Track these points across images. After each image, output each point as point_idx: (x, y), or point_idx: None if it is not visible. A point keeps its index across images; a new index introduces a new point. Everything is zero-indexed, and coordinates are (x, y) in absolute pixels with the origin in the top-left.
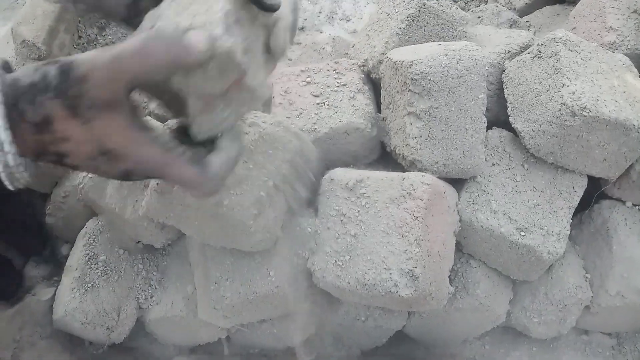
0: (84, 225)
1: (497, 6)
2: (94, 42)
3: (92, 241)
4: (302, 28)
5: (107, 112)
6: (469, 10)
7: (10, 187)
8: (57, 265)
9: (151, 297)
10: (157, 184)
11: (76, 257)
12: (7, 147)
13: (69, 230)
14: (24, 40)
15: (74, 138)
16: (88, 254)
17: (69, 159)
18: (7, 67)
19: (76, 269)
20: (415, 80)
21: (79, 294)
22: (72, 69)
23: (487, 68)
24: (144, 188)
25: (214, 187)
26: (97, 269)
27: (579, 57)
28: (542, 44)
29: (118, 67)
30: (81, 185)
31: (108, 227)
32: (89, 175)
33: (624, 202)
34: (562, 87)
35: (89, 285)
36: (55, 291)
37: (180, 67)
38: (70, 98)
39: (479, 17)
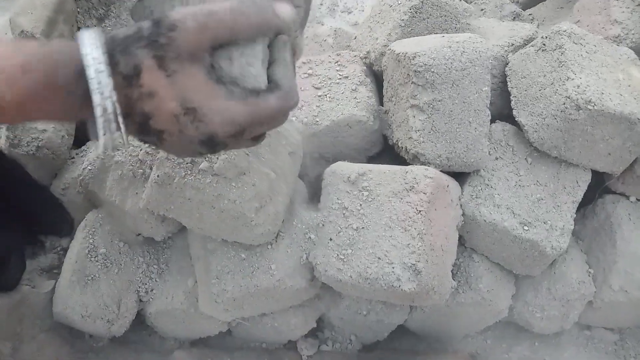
0: (84, 217)
1: None
2: None
3: (92, 234)
4: None
5: (190, 65)
6: (471, 2)
7: (102, 140)
8: (56, 258)
9: (152, 290)
10: (158, 175)
11: (76, 250)
12: (108, 92)
13: None
14: (22, 31)
15: (159, 93)
16: (88, 247)
17: (154, 121)
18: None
19: (76, 262)
20: (419, 72)
21: (79, 287)
22: (164, 19)
23: (490, 61)
24: (144, 180)
25: (296, 96)
26: (97, 261)
27: (583, 50)
28: (546, 37)
29: (211, 20)
30: (81, 177)
31: (108, 219)
32: (89, 167)
33: (627, 197)
34: (567, 80)
35: (89, 278)
36: (55, 284)
37: (267, 31)
38: (159, 46)
39: (481, 10)
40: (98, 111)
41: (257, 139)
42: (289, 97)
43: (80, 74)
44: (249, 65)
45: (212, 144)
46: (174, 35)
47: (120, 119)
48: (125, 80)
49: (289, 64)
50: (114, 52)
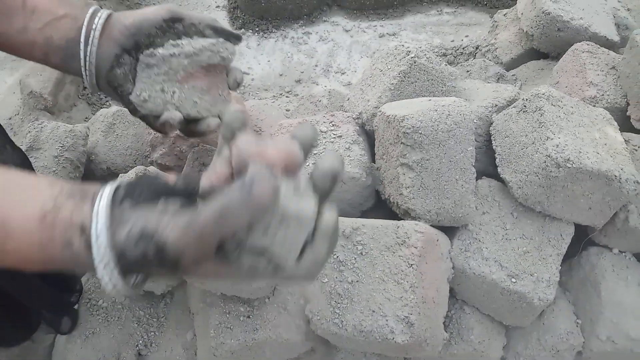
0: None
1: (484, 61)
2: (98, 93)
3: (92, 287)
4: (299, 80)
5: (200, 264)
6: (458, 64)
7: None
8: None
9: (151, 344)
10: None
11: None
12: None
13: (71, 277)
14: (31, 92)
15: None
16: (89, 301)
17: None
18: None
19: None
20: (407, 133)
21: (79, 341)
22: (166, 250)
23: (475, 121)
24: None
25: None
26: (98, 315)
27: (561, 112)
28: (526, 99)
29: (205, 239)
30: None
31: None
32: None
33: (610, 249)
34: (547, 140)
35: (90, 332)
36: (55, 338)
37: (260, 218)
38: (168, 267)
39: (467, 71)
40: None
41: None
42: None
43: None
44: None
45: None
46: (181, 261)
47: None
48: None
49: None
50: (130, 269)
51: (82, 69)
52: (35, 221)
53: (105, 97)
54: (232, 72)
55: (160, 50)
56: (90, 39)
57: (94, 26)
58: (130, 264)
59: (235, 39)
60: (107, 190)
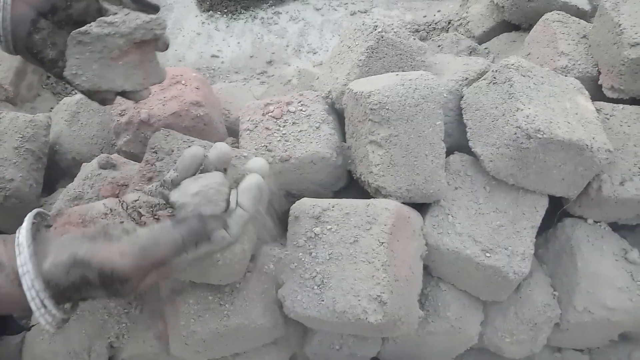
0: None
1: (456, 35)
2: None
3: None
4: (270, 62)
5: (141, 284)
6: (430, 39)
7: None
8: None
9: (123, 335)
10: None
11: None
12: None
13: None
14: None
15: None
16: None
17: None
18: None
19: None
20: (374, 110)
21: (48, 336)
22: (114, 274)
23: (445, 95)
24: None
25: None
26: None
27: (531, 82)
28: (496, 71)
29: (154, 263)
30: None
31: None
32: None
33: (585, 220)
34: (517, 111)
35: None
36: (25, 334)
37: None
38: (113, 290)
39: (439, 46)
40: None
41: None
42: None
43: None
44: None
45: None
46: (127, 284)
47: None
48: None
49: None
50: (66, 293)
51: None
52: None
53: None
54: (160, 39)
55: (95, 29)
56: (2, 3)
57: None
58: (63, 288)
59: (152, 9)
60: (26, 221)
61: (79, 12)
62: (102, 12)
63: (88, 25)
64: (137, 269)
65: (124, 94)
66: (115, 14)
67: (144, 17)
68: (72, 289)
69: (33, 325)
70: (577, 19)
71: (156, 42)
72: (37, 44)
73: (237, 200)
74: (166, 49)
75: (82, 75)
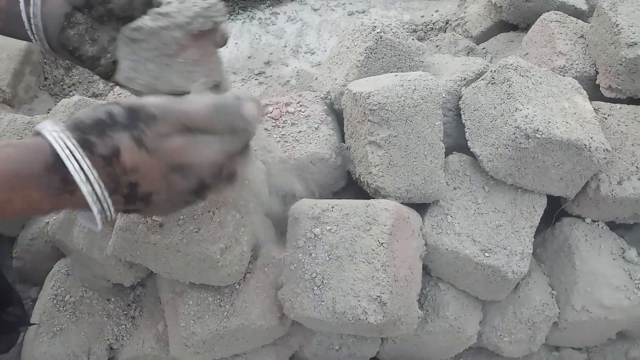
0: (52, 267)
1: (454, 35)
2: (61, 83)
3: (60, 283)
4: (268, 62)
5: (168, 139)
6: (427, 39)
7: (98, 219)
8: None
9: (122, 337)
10: (122, 222)
11: (44, 300)
12: (90, 174)
13: (37, 273)
14: None
15: (143, 167)
16: (56, 296)
17: (141, 187)
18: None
19: (44, 312)
20: (374, 110)
21: (47, 338)
22: (142, 110)
23: (443, 95)
24: (110, 227)
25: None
26: (65, 311)
27: (529, 82)
28: (494, 71)
29: (187, 119)
30: (48, 227)
31: (76, 267)
32: (55, 217)
33: (583, 219)
34: (515, 111)
35: (58, 328)
36: (24, 336)
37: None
38: (138, 132)
39: (437, 46)
40: (85, 192)
41: (232, 178)
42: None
43: (52, 166)
44: None
45: (201, 190)
46: (152, 126)
47: (106, 195)
48: (105, 160)
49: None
50: (89, 137)
51: (29, 32)
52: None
53: (69, 87)
54: (219, 30)
55: (148, 23)
56: None
57: None
58: (88, 126)
59: None
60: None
61: (121, 6)
62: (150, 3)
63: (141, 19)
64: (166, 111)
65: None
66: (169, 2)
67: (201, 2)
68: (96, 129)
69: (32, 324)
70: (575, 18)
71: (214, 35)
72: (73, 40)
73: None
74: (225, 43)
75: (138, 78)
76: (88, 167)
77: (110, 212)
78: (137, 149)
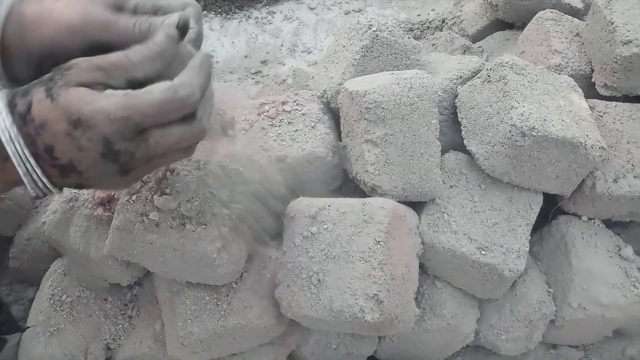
0: (49, 267)
1: (450, 33)
2: None
3: (57, 283)
4: (265, 61)
5: (75, 88)
6: (424, 38)
7: (27, 183)
8: (22, 310)
9: (120, 337)
10: (119, 221)
11: (41, 300)
12: (13, 134)
13: (34, 272)
14: None
15: (48, 119)
16: (53, 296)
17: (57, 151)
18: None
19: (41, 312)
20: (370, 109)
21: (44, 338)
22: (65, 64)
23: (439, 94)
24: (107, 226)
25: (189, 90)
26: (62, 311)
27: (525, 80)
28: (490, 69)
29: (105, 62)
30: (45, 227)
31: (73, 267)
32: (51, 216)
33: (579, 217)
34: (511, 109)
35: (55, 328)
36: (21, 337)
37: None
38: (52, 82)
39: (433, 45)
40: (10, 152)
41: (186, 149)
42: (178, 88)
43: None
44: None
45: (114, 155)
46: (68, 72)
47: (31, 160)
48: (21, 118)
49: (195, 68)
50: (15, 98)
51: None
52: None
53: None
54: None
55: None
56: None
57: None
58: (23, 88)
59: None
60: None
61: None
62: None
63: None
64: (86, 59)
65: None
66: None
67: None
68: (24, 89)
69: (28, 327)
70: (570, 17)
71: None
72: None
73: None
74: None
75: None
76: (6, 126)
77: (41, 179)
78: (45, 99)
